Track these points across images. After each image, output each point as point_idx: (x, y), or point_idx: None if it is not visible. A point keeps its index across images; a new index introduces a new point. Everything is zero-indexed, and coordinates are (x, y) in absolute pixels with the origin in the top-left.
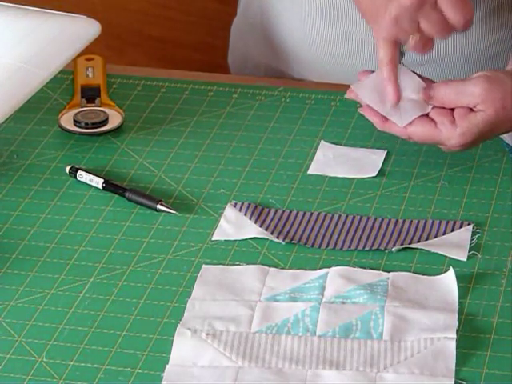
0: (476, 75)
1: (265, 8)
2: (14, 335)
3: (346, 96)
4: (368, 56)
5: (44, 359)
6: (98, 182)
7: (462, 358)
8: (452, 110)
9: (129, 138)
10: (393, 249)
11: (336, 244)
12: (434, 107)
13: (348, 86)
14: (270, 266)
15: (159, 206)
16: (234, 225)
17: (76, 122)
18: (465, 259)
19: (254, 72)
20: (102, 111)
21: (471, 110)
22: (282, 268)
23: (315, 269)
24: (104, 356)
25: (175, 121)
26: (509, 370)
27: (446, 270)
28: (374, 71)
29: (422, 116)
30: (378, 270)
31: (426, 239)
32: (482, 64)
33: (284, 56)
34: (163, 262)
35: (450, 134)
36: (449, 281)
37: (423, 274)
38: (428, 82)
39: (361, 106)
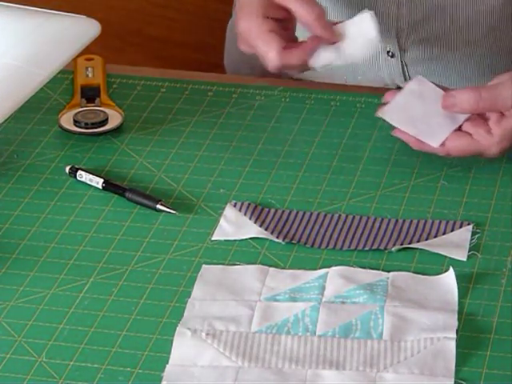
0: (504, 78)
1: None
2: (14, 335)
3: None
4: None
5: (44, 359)
6: (97, 182)
7: (462, 358)
8: (483, 119)
9: (129, 138)
10: (393, 249)
11: (336, 244)
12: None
13: (347, 86)
14: (269, 265)
15: (159, 206)
16: (234, 225)
17: (76, 122)
18: (465, 259)
19: (251, 73)
20: (101, 111)
21: (502, 114)
22: (282, 268)
23: (315, 269)
24: (104, 356)
25: (175, 121)
26: (509, 369)
27: (446, 270)
28: (399, 88)
29: (456, 130)
30: (378, 269)
31: (426, 239)
32: (484, 60)
33: None
34: (163, 262)
35: (489, 143)
36: (449, 281)
37: (423, 274)
38: (447, 89)
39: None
